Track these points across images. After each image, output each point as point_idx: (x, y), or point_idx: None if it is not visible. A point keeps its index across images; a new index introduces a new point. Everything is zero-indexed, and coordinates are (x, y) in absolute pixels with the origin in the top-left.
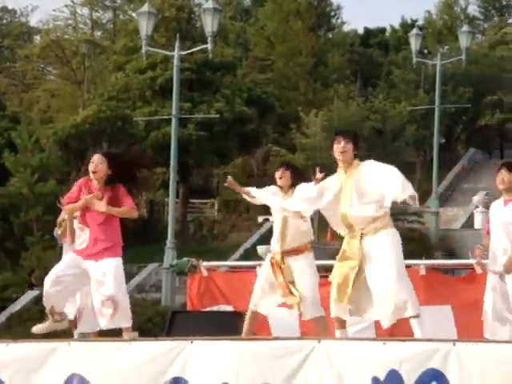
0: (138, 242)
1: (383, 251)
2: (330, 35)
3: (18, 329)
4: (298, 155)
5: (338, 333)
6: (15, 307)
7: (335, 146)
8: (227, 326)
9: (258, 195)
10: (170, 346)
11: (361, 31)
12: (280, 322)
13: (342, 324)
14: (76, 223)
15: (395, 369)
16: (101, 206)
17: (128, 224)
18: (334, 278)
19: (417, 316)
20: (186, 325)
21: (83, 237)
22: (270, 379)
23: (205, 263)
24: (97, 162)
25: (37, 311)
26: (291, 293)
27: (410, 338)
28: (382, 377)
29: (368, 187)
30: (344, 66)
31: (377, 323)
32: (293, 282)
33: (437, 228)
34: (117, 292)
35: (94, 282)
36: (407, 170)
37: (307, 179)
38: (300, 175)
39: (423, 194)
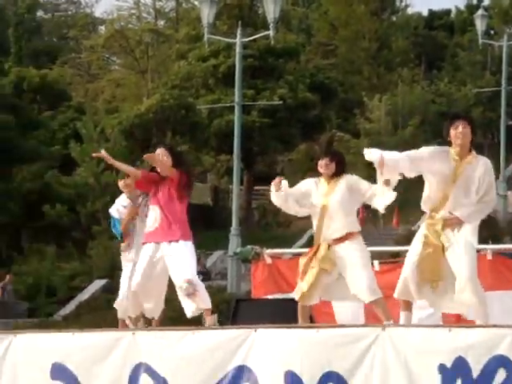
0: (203, 229)
1: (466, 243)
2: (394, 18)
3: (87, 317)
4: (362, 140)
5: (403, 315)
6: (83, 296)
7: (451, 131)
8: (292, 313)
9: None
10: (234, 334)
11: (425, 13)
12: (344, 310)
13: (409, 306)
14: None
15: (462, 356)
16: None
17: (194, 211)
18: (412, 257)
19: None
20: (250, 313)
21: (154, 215)
22: (334, 367)
23: (268, 251)
24: (162, 155)
25: (105, 300)
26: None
27: (476, 324)
28: (448, 364)
29: (476, 185)
30: (408, 49)
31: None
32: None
33: (505, 211)
34: (194, 275)
35: (170, 265)
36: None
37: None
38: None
39: None
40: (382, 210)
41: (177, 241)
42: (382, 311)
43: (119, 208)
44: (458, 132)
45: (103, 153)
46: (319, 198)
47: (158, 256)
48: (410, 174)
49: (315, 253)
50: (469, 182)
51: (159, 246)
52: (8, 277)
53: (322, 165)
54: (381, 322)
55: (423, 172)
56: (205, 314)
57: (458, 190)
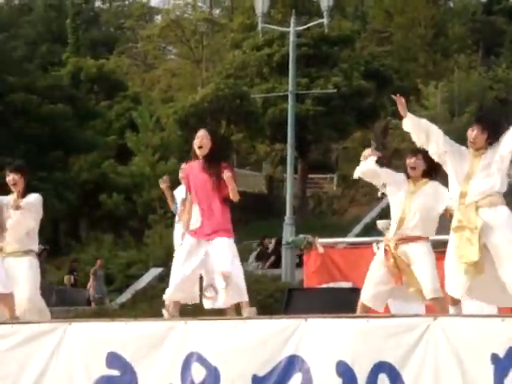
0: (258, 218)
1: (506, 229)
2: (451, 4)
3: (143, 305)
4: None
5: (451, 309)
6: (140, 284)
7: (468, 132)
8: (345, 302)
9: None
10: (285, 324)
11: None
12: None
13: (456, 300)
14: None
15: None
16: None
17: (248, 200)
18: (452, 249)
19: None
20: (302, 302)
21: (196, 215)
22: (385, 357)
23: (321, 240)
24: (202, 138)
25: (161, 288)
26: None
27: None
28: (501, 354)
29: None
30: (465, 35)
31: None
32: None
33: None
34: (228, 268)
35: (209, 260)
36: None
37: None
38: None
39: None
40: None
41: (218, 236)
42: (441, 310)
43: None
44: (471, 137)
45: None
46: (404, 194)
47: (199, 250)
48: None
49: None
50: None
51: (201, 241)
52: (98, 262)
53: (411, 163)
54: None
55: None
56: (243, 307)
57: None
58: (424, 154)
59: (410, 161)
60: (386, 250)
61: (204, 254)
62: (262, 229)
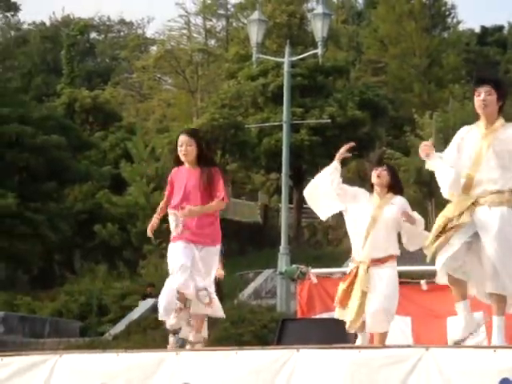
0: (253, 248)
1: (503, 230)
2: (445, 35)
3: (137, 336)
4: (412, 158)
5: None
6: (134, 315)
7: (475, 98)
8: (338, 333)
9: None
10: (277, 355)
11: (477, 30)
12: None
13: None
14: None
15: (508, 377)
16: (193, 211)
17: (244, 230)
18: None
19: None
20: (296, 333)
21: (180, 226)
22: None
23: (314, 270)
24: (185, 145)
25: (154, 319)
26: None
27: None
28: None
29: (508, 153)
30: (460, 65)
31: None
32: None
33: None
34: (210, 284)
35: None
36: None
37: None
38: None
39: None
40: (411, 249)
41: (206, 245)
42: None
43: None
44: (480, 100)
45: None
46: (369, 208)
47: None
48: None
49: (355, 276)
50: (501, 145)
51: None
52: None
53: (376, 175)
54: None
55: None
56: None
57: (480, 156)
58: (390, 167)
59: (376, 171)
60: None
61: (194, 257)
62: (258, 259)
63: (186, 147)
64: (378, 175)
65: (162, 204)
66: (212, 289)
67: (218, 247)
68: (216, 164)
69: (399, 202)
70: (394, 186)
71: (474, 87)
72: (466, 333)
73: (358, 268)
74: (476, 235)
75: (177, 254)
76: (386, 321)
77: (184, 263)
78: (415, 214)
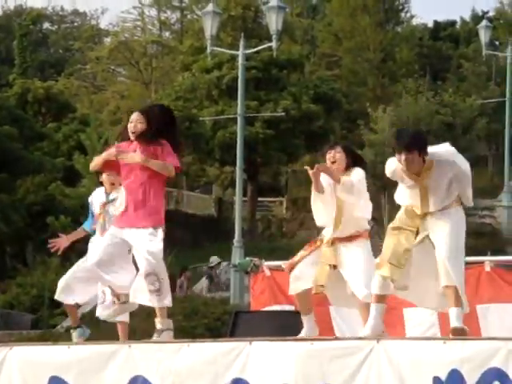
0: (207, 241)
1: (449, 229)
2: (399, 29)
3: (90, 328)
4: (366, 151)
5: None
6: (86, 307)
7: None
8: (290, 325)
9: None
10: (229, 347)
11: (430, 24)
12: (342, 322)
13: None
14: (106, 178)
15: (456, 368)
16: (135, 156)
17: (198, 222)
18: (387, 245)
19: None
20: (249, 325)
21: (120, 199)
22: (329, 380)
23: (267, 263)
24: (135, 122)
25: None
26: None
27: (470, 336)
28: (443, 377)
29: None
30: (413, 60)
31: (441, 319)
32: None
33: (509, 223)
34: (160, 268)
35: (135, 253)
36: (478, 163)
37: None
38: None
39: (495, 188)
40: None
41: (146, 226)
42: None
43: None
44: (403, 161)
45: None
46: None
47: (123, 238)
48: None
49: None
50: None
51: (125, 230)
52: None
53: (330, 161)
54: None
55: None
56: (160, 312)
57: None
58: (344, 146)
59: (330, 155)
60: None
61: (128, 244)
62: (211, 251)
63: (135, 123)
64: (333, 161)
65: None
66: None
67: None
68: (169, 138)
69: (353, 174)
70: (354, 164)
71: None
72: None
73: None
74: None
75: None
76: None
77: None
78: (347, 180)
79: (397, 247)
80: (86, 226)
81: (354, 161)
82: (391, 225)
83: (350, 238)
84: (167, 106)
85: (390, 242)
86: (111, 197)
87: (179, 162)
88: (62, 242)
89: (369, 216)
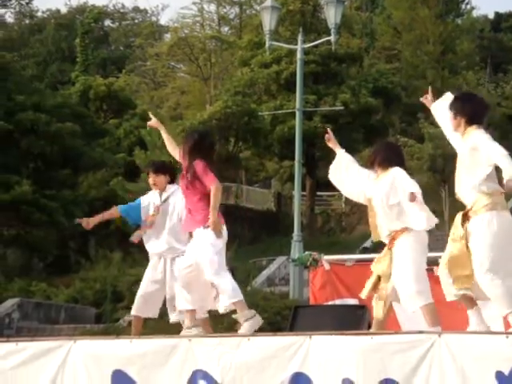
0: (267, 235)
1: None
2: (459, 21)
3: (152, 322)
4: (426, 145)
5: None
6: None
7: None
8: (351, 319)
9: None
10: (289, 341)
11: (491, 16)
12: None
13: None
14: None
15: None
16: (215, 222)
17: (257, 217)
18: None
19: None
20: (308, 319)
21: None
22: (390, 374)
23: (327, 257)
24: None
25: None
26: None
27: None
28: (506, 371)
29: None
30: (473, 52)
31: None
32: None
33: None
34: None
35: None
36: None
37: None
38: None
39: None
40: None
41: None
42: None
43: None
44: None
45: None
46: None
47: None
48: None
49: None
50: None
51: None
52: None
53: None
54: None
55: None
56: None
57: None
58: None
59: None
60: None
61: None
62: (271, 246)
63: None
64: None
65: None
66: None
67: None
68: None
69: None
70: (382, 161)
71: None
72: None
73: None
74: None
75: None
76: None
77: None
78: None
79: None
80: (121, 208)
81: (378, 158)
82: None
83: None
84: (193, 134)
85: None
86: (163, 197)
87: (213, 171)
88: (94, 219)
89: None
